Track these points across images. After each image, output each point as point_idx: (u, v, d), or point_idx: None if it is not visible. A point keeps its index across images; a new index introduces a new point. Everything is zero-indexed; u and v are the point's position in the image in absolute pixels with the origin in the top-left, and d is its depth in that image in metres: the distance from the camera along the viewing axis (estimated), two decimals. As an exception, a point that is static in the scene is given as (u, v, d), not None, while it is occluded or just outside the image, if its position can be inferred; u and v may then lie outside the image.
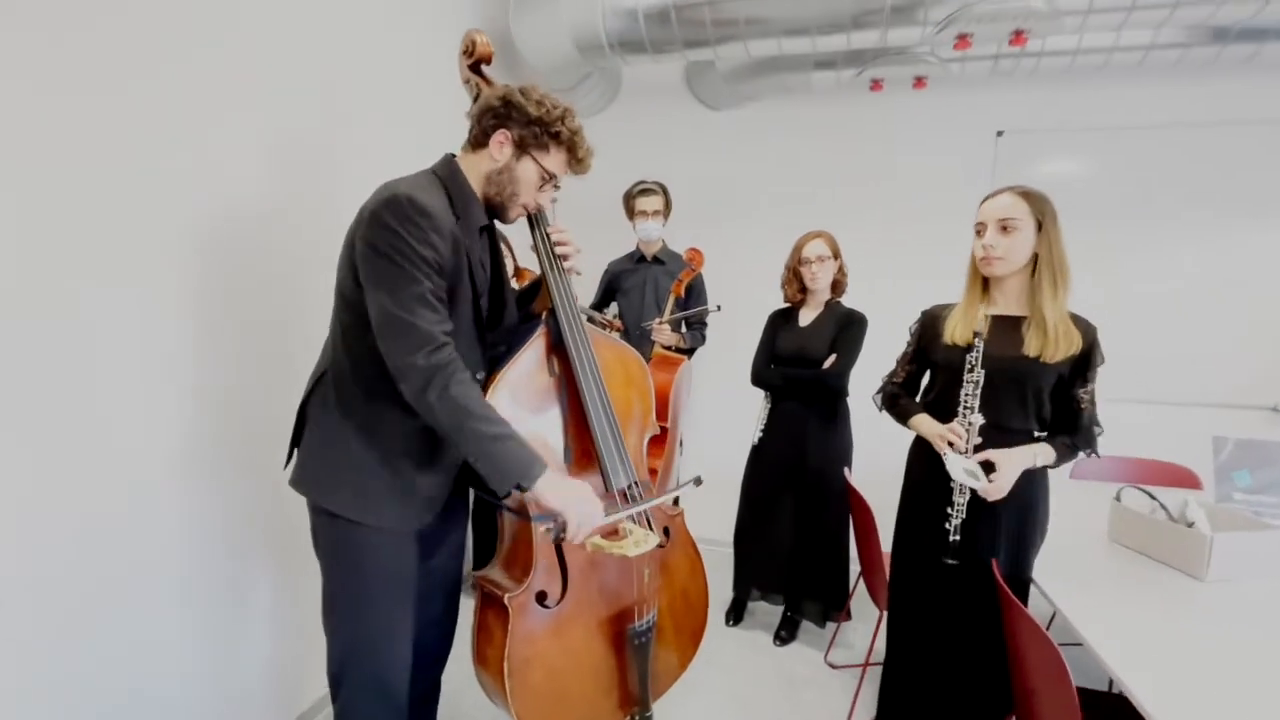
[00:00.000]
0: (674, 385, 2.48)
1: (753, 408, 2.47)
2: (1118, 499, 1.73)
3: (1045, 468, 1.54)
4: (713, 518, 2.99)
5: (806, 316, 2.36)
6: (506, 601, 1.28)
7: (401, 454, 1.19)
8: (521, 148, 1.22)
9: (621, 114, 3.32)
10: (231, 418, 1.55)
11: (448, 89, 1.36)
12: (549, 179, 1.26)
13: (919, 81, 2.68)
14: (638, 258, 2.77)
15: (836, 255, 2.29)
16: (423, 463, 1.22)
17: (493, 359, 1.37)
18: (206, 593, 1.53)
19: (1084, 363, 1.46)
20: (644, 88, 3.28)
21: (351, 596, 1.21)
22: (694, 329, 2.68)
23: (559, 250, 1.39)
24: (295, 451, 1.25)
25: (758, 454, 2.42)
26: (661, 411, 2.50)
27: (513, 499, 1.33)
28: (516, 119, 1.20)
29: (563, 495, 1.17)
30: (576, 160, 1.27)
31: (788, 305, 2.43)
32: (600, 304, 2.88)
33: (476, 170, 1.24)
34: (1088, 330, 1.47)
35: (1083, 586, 1.47)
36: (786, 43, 2.32)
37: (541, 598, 1.34)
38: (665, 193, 2.65)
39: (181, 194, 1.40)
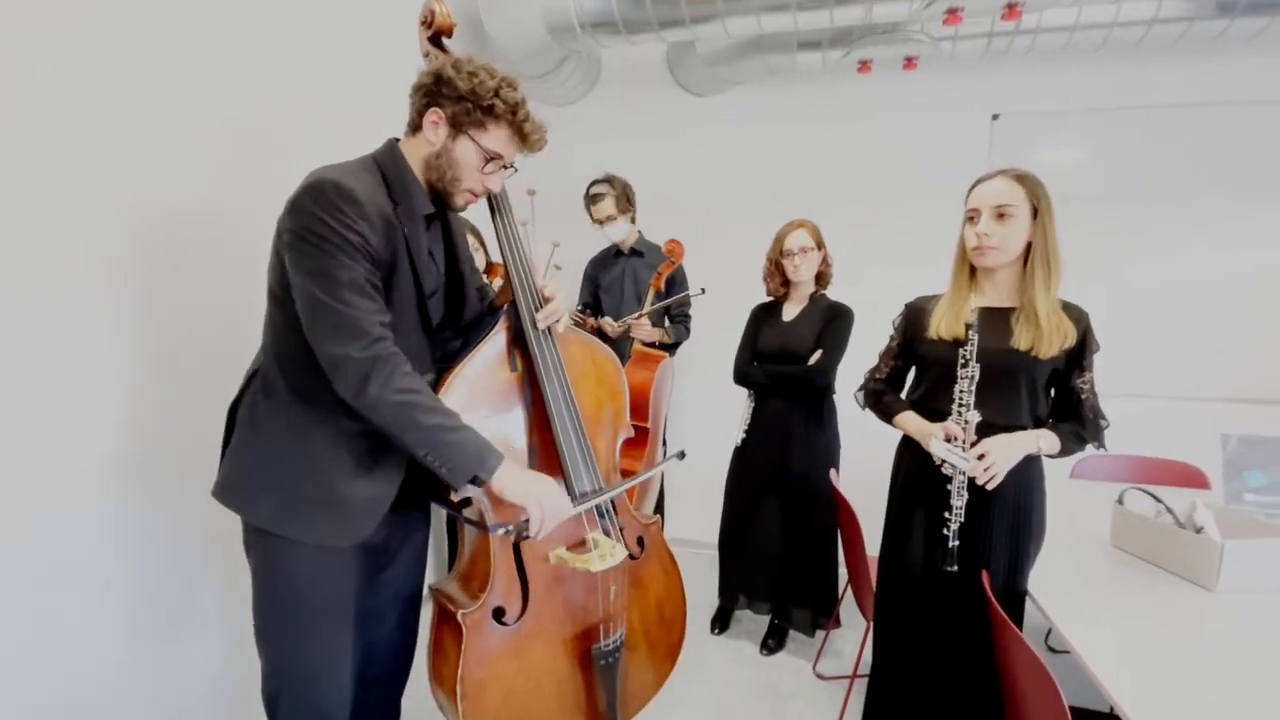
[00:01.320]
0: (654, 383, 2.37)
1: (737, 406, 2.36)
2: (1120, 502, 1.62)
3: (1042, 466, 1.46)
4: (697, 521, 2.89)
5: (790, 310, 2.25)
6: (461, 618, 1.20)
7: (330, 460, 1.09)
8: (456, 127, 1.11)
9: (601, 101, 3.21)
10: (170, 418, 1.45)
11: (406, 69, 1.25)
12: (492, 159, 1.15)
13: (909, 62, 2.56)
14: (614, 251, 2.68)
15: (820, 246, 2.18)
16: (358, 471, 1.11)
17: (448, 355, 1.28)
18: (145, 604, 1.43)
19: (1079, 352, 1.38)
20: (624, 73, 3.17)
21: (282, 618, 1.12)
22: (677, 321, 2.59)
23: (541, 324, 1.28)
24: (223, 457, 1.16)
25: (741, 455, 2.32)
26: (640, 411, 2.40)
27: (471, 509, 1.25)
28: (447, 95, 1.09)
29: (526, 486, 1.11)
30: (522, 137, 1.15)
31: (771, 299, 2.32)
32: (590, 304, 2.78)
33: (417, 154, 1.14)
34: (1080, 318, 1.38)
35: (1081, 598, 1.37)
36: (767, 20, 2.19)
37: (499, 614, 1.25)
38: (618, 186, 2.51)
39: (112, 189, 1.30)
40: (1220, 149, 2.62)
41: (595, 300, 2.75)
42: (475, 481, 1.07)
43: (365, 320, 1.00)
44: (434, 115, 1.11)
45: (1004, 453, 1.33)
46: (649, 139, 3.17)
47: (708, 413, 3.01)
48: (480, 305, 1.37)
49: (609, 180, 2.51)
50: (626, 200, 2.52)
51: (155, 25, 1.39)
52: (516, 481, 1.10)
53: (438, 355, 1.27)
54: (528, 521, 1.11)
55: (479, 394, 1.24)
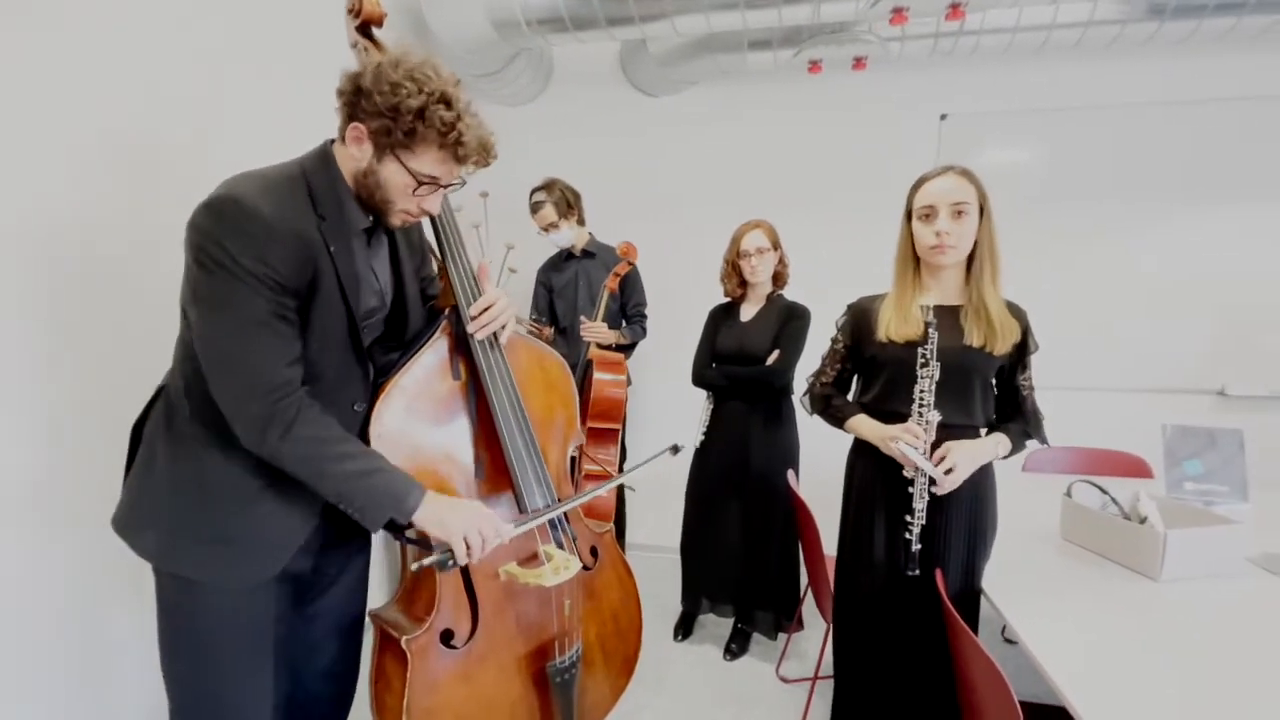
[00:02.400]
0: (626, 387, 2.36)
1: (696, 408, 2.33)
2: (1068, 494, 1.64)
3: (992, 464, 1.46)
4: (659, 525, 2.86)
5: (748, 311, 2.24)
6: (405, 645, 1.12)
7: (227, 494, 0.99)
8: (380, 146, 0.97)
9: (554, 101, 3.15)
10: (74, 440, 1.34)
11: (334, 59, 1.15)
12: (426, 183, 1.00)
13: (858, 62, 2.58)
14: (565, 255, 2.62)
15: (776, 246, 2.16)
16: (262, 504, 1.01)
17: (386, 366, 1.19)
18: (52, 643, 1.32)
19: (1022, 349, 1.39)
20: (577, 73, 3.12)
21: (188, 657, 1.02)
22: (633, 322, 2.54)
23: (484, 335, 1.19)
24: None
25: (701, 457, 2.29)
26: (614, 414, 2.36)
27: (414, 529, 1.16)
28: (367, 110, 0.94)
29: (448, 520, 1.03)
30: (458, 159, 0.99)
31: (729, 300, 2.30)
32: (545, 312, 2.71)
33: (348, 165, 1.02)
34: (1020, 315, 1.40)
35: (1032, 592, 1.37)
36: (715, 18, 2.18)
37: (447, 637, 1.18)
38: (555, 191, 2.45)
39: (15, 204, 1.20)
40: (1159, 149, 2.71)
41: (550, 306, 2.70)
42: (392, 524, 1.00)
43: (264, 366, 0.91)
44: (355, 131, 0.97)
45: (967, 461, 1.32)
46: (603, 139, 3.12)
47: (667, 415, 2.97)
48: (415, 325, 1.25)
49: (546, 187, 2.46)
50: (567, 205, 2.46)
51: (63, 31, 1.28)
52: (440, 516, 1.03)
53: (374, 377, 1.16)
54: (452, 554, 1.04)
55: (419, 406, 1.17)
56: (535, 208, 2.47)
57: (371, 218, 1.06)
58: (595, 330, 2.36)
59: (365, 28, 1.18)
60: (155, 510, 0.99)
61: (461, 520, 1.04)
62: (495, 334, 1.22)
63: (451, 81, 0.97)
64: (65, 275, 1.32)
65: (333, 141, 1.04)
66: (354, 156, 0.99)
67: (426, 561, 1.05)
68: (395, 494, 1.00)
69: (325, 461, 0.95)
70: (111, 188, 1.40)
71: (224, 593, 1.00)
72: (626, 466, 1.38)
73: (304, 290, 0.97)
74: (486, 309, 1.19)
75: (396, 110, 0.93)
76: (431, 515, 1.02)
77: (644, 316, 2.58)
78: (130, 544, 1.01)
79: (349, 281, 1.01)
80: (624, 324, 2.56)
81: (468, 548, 1.04)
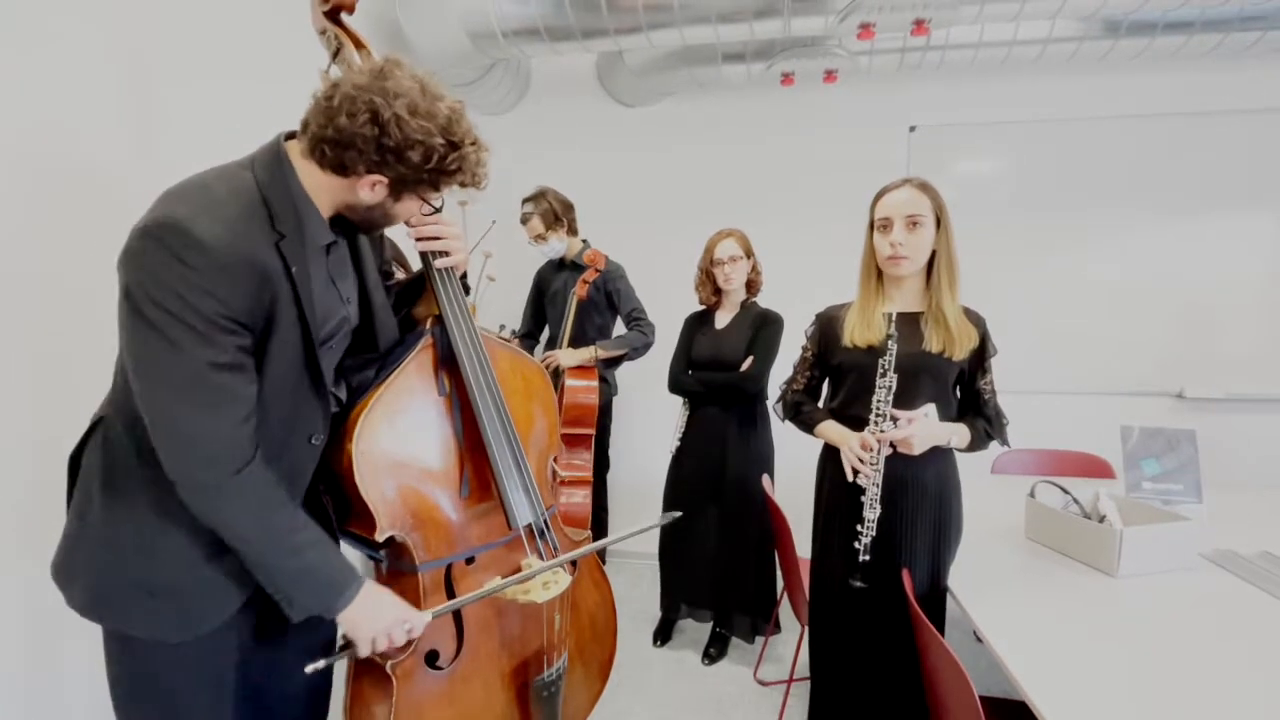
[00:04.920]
0: (596, 392, 2.38)
1: (672, 415, 2.35)
2: (1032, 495, 1.69)
3: (957, 466, 1.51)
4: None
5: (722, 318, 2.27)
6: (390, 670, 1.08)
7: (172, 538, 0.89)
8: (400, 189, 0.92)
9: (532, 111, 3.18)
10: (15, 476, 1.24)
11: (294, 48, 1.05)
12: (434, 206, 1.02)
13: (829, 75, 2.64)
14: (556, 264, 2.64)
15: (749, 254, 2.20)
16: (211, 549, 0.91)
17: (361, 386, 1.13)
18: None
19: (980, 354, 1.44)
20: (555, 84, 3.15)
21: (141, 711, 0.93)
22: (633, 328, 2.50)
23: (431, 246, 1.14)
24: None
25: (678, 462, 2.31)
26: (588, 418, 2.37)
27: (385, 540, 1.12)
28: (392, 164, 0.87)
29: (360, 629, 0.97)
30: (474, 185, 0.97)
31: (703, 308, 2.33)
32: (534, 314, 2.73)
33: (326, 190, 0.92)
34: (978, 322, 1.45)
35: (996, 590, 1.41)
36: (689, 32, 2.22)
37: (433, 659, 1.15)
38: (543, 203, 2.44)
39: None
40: (1120, 159, 2.81)
41: (539, 308, 2.71)
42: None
43: (214, 429, 0.82)
44: (373, 179, 0.89)
45: (924, 431, 1.36)
46: (581, 149, 3.15)
47: (644, 422, 3.00)
48: (396, 330, 1.18)
49: (534, 198, 2.45)
50: (555, 216, 2.45)
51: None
52: (355, 620, 0.96)
53: (330, 405, 1.06)
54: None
55: (403, 421, 1.12)
56: (523, 219, 2.47)
57: (334, 235, 0.98)
58: (568, 355, 2.37)
59: (335, 13, 1.12)
60: (86, 557, 0.89)
61: (374, 626, 0.98)
62: (441, 262, 1.16)
63: (460, 105, 0.92)
64: None
65: (287, 137, 0.93)
66: (355, 193, 0.91)
67: (321, 664, 0.97)
68: (326, 591, 0.93)
69: (268, 544, 0.88)
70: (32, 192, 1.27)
71: (190, 651, 0.92)
72: (625, 530, 1.38)
73: (260, 325, 0.86)
74: (432, 225, 1.13)
75: (436, 170, 0.89)
76: (354, 617, 0.96)
77: (641, 319, 2.53)
78: (65, 596, 0.90)
79: (309, 306, 0.91)
80: (622, 329, 2.57)
81: (372, 647, 0.99)
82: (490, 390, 1.19)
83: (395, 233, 1.24)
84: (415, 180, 0.90)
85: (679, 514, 1.42)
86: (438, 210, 1.05)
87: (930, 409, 1.39)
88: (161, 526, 0.88)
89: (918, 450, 1.36)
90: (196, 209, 0.80)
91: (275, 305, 0.87)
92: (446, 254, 1.17)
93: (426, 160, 0.87)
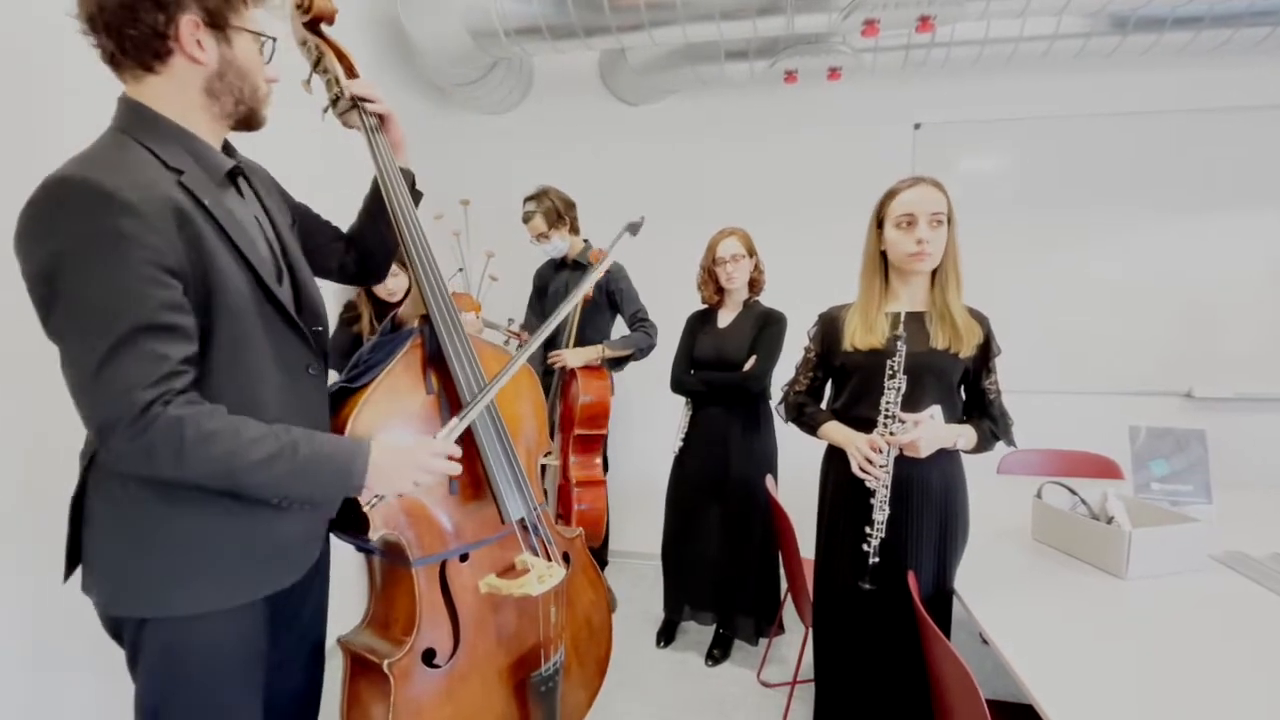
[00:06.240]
0: (610, 392, 2.38)
1: (675, 415, 2.34)
2: (1039, 496, 1.67)
3: (964, 468, 1.49)
4: (640, 532, 2.86)
5: (725, 318, 2.26)
6: (387, 669, 1.08)
7: (225, 507, 0.87)
8: (221, 25, 0.83)
9: (534, 110, 3.17)
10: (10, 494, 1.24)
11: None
12: (266, 40, 0.90)
13: (833, 73, 2.62)
14: (557, 263, 2.63)
15: (752, 253, 2.19)
16: (263, 512, 0.90)
17: (349, 385, 1.14)
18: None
19: (985, 352, 1.43)
20: (557, 82, 3.14)
21: (193, 710, 0.90)
22: (636, 330, 2.49)
23: (367, 107, 1.13)
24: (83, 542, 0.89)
25: (680, 463, 2.30)
26: (600, 419, 2.36)
27: (379, 541, 1.13)
28: None
29: (388, 480, 0.94)
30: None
31: (706, 307, 2.32)
32: (535, 313, 2.71)
33: (178, 99, 0.84)
34: (982, 321, 1.44)
35: (1003, 592, 1.39)
36: (692, 29, 2.21)
37: (429, 657, 1.15)
38: (545, 202, 2.42)
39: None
40: (1127, 157, 2.78)
41: (540, 308, 2.70)
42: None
43: (142, 376, 0.74)
44: (189, 25, 0.80)
45: (930, 434, 1.34)
46: (583, 147, 3.14)
47: (647, 422, 2.99)
48: (318, 294, 1.07)
49: (537, 196, 2.43)
50: (557, 215, 2.43)
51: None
52: (382, 477, 0.93)
53: (319, 346, 1.03)
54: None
55: (393, 421, 1.13)
56: (526, 217, 2.45)
57: (230, 157, 0.93)
58: (575, 355, 2.36)
59: (315, 24, 1.13)
60: (140, 567, 0.85)
61: (404, 474, 0.95)
62: (374, 109, 1.16)
63: None
64: None
65: (127, 98, 0.86)
66: (195, 62, 0.83)
67: (370, 503, 0.96)
68: (338, 466, 0.88)
69: (242, 473, 0.80)
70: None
71: (229, 621, 0.90)
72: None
73: (192, 271, 0.80)
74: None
75: None
76: (377, 477, 0.92)
77: (645, 321, 2.52)
78: (147, 608, 0.86)
79: (237, 232, 0.86)
80: (625, 330, 2.55)
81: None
82: (479, 387, 1.21)
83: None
84: (224, 3, 0.82)
85: None
86: (273, 40, 0.93)
87: (936, 411, 1.38)
88: (196, 515, 0.85)
89: (925, 453, 1.34)
90: (89, 168, 0.75)
91: (202, 244, 0.81)
92: (370, 100, 1.14)
93: None
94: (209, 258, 0.82)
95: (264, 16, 0.91)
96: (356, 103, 1.16)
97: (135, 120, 0.83)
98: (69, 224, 0.73)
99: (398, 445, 0.99)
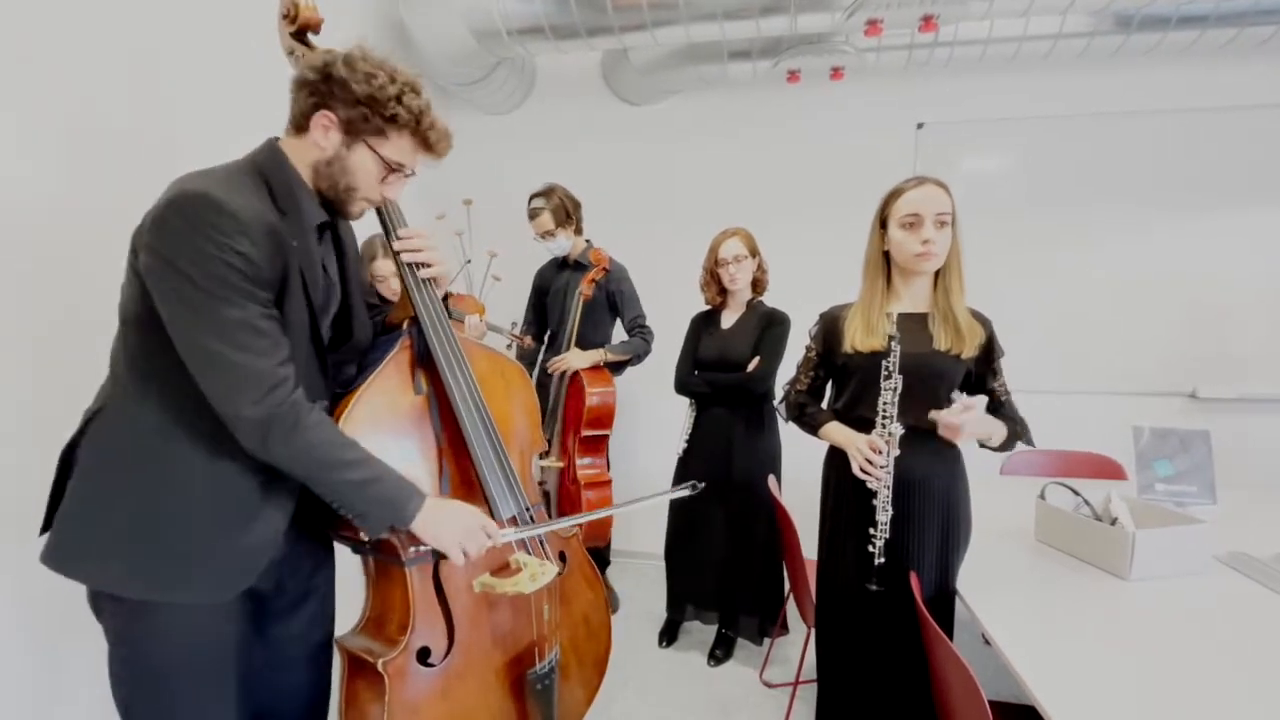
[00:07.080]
0: (614, 392, 2.38)
1: (679, 416, 2.34)
2: (1042, 496, 1.67)
3: (965, 469, 1.49)
4: (643, 532, 2.86)
5: (728, 318, 2.26)
6: (382, 668, 1.09)
7: (203, 507, 0.95)
8: (352, 134, 0.99)
9: (536, 110, 3.17)
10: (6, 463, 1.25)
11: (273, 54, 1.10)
12: (394, 170, 1.04)
13: (836, 73, 2.62)
14: (558, 263, 2.62)
15: (754, 253, 2.19)
16: (238, 516, 0.97)
17: (344, 382, 1.17)
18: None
19: (988, 354, 1.43)
20: (560, 83, 3.14)
21: (151, 694, 0.95)
22: (634, 335, 2.49)
23: (409, 258, 1.19)
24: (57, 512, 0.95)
25: (684, 463, 2.29)
26: (606, 419, 2.37)
27: (372, 541, 1.14)
28: (340, 98, 0.96)
29: (442, 536, 1.05)
30: (427, 146, 1.05)
31: (709, 308, 2.32)
32: (533, 310, 2.70)
33: (304, 158, 1.02)
34: (985, 322, 1.44)
35: (1006, 593, 1.39)
36: (695, 29, 2.21)
37: (424, 656, 1.16)
38: (554, 199, 2.40)
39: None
40: (1130, 156, 2.77)
41: (540, 308, 2.69)
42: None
43: (259, 368, 0.89)
44: (324, 119, 0.98)
45: (974, 422, 1.33)
46: (586, 147, 3.14)
47: (651, 423, 2.99)
48: (371, 325, 1.25)
49: (545, 193, 2.41)
50: (565, 213, 2.41)
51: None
52: (436, 528, 1.04)
53: (333, 381, 1.14)
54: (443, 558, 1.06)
55: (383, 420, 1.15)
56: (533, 214, 2.42)
57: (326, 214, 1.06)
58: (578, 357, 2.35)
59: (301, 34, 1.15)
60: (117, 535, 0.92)
61: (454, 532, 1.06)
62: (425, 273, 1.21)
63: (416, 74, 1.03)
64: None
65: (277, 140, 1.03)
66: (318, 145, 0.99)
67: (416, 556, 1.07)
68: (397, 501, 1.01)
69: (328, 469, 0.96)
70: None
71: (190, 615, 0.94)
72: (636, 495, 1.40)
73: (278, 286, 0.95)
74: (415, 239, 1.19)
75: (373, 98, 0.97)
76: (429, 524, 1.03)
77: (643, 328, 2.52)
78: (86, 578, 0.93)
79: (312, 276, 1.01)
80: (623, 335, 2.55)
81: (465, 556, 1.06)
82: (467, 387, 1.23)
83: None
84: (362, 121, 0.98)
85: (698, 484, 1.42)
86: (411, 173, 1.09)
87: (980, 401, 1.36)
88: (195, 495, 0.94)
89: (963, 439, 1.34)
90: (214, 185, 0.89)
91: (287, 273, 0.96)
92: (428, 265, 1.21)
93: (373, 96, 0.96)
94: (287, 285, 0.97)
95: (423, 160, 1.08)
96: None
97: (271, 160, 1.00)
98: (194, 228, 0.86)
99: (458, 506, 1.10)
